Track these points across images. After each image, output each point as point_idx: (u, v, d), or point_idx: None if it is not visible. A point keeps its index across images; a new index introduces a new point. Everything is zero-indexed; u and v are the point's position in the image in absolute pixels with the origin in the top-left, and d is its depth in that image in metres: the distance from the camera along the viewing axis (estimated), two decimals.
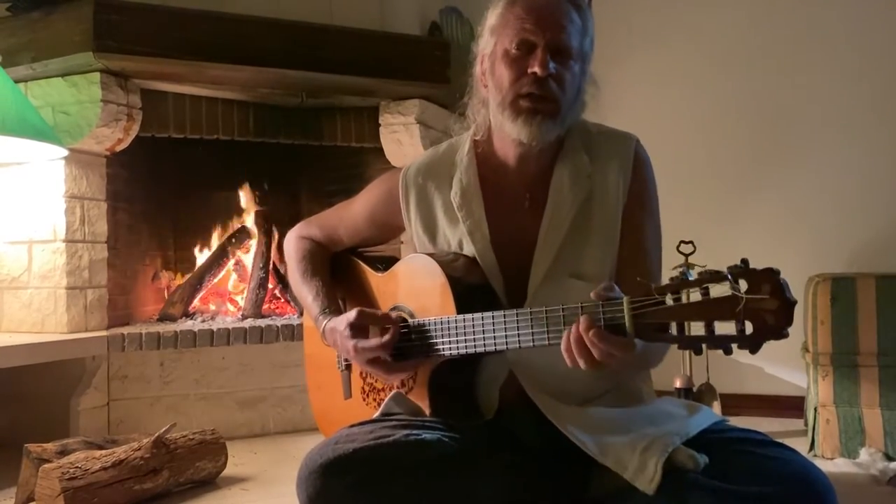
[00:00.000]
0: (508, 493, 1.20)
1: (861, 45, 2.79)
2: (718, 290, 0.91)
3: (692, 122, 3.02)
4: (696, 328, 0.94)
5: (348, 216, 1.54)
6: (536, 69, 1.20)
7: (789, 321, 0.87)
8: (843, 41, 2.81)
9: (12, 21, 2.44)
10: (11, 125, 2.10)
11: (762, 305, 0.86)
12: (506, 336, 1.15)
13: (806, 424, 2.43)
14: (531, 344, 1.11)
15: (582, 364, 1.02)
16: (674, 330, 0.96)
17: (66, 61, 2.36)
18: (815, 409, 2.27)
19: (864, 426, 2.21)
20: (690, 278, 0.93)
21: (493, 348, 1.17)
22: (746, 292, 0.87)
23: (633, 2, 3.10)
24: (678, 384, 2.53)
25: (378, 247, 1.61)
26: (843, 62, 2.81)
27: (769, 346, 0.89)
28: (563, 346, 1.05)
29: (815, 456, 2.24)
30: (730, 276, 0.88)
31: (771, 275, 0.87)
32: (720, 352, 0.92)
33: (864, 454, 2.17)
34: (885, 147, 2.76)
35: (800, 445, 2.09)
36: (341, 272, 1.54)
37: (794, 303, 0.86)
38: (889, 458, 2.14)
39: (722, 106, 2.98)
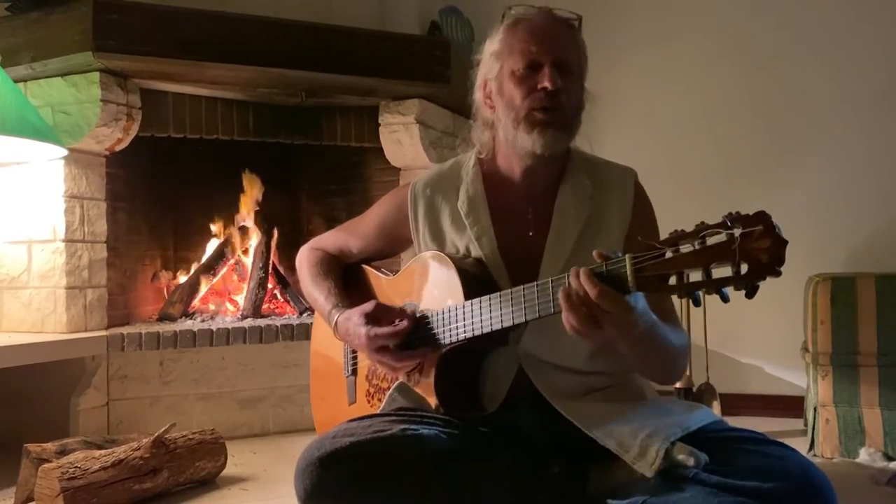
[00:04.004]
0: (506, 490, 1.21)
1: (863, 44, 2.79)
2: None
3: (690, 122, 3.02)
4: (697, 281, 0.97)
5: (359, 229, 1.60)
6: (547, 84, 1.28)
7: (782, 259, 0.91)
8: (844, 41, 2.81)
9: (12, 21, 2.44)
10: (11, 125, 2.10)
11: (756, 245, 0.91)
12: (512, 311, 1.18)
13: (806, 424, 2.43)
14: (537, 315, 1.15)
15: (576, 321, 1.04)
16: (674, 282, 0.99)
17: (65, 61, 2.36)
18: (815, 409, 2.27)
19: (863, 426, 2.21)
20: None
21: (499, 326, 1.20)
22: (741, 235, 0.92)
23: None
24: (678, 384, 2.53)
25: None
26: (845, 61, 2.81)
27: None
28: (560, 298, 1.06)
29: (815, 456, 2.24)
30: (728, 222, 0.93)
31: (762, 216, 0.92)
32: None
33: (863, 454, 2.17)
34: (886, 146, 2.76)
35: (799, 445, 2.09)
36: (352, 281, 1.58)
37: (785, 241, 0.91)
38: (889, 458, 2.15)
39: (720, 106, 2.98)
